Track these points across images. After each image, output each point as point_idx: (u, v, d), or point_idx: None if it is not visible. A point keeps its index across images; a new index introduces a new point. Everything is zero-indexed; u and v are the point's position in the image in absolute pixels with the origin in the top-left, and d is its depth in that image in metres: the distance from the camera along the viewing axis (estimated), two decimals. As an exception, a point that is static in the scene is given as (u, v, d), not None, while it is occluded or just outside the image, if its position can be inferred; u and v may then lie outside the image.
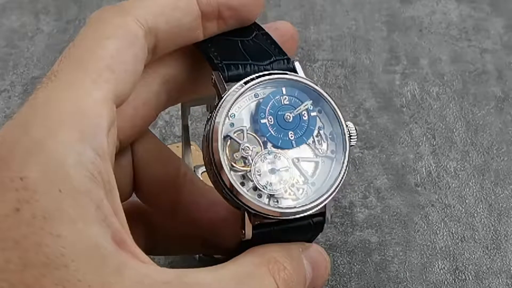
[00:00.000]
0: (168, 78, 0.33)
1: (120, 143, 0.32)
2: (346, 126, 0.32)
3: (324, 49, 0.55)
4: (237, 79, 0.32)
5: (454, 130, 0.49)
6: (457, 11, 0.58)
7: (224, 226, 0.35)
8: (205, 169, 0.43)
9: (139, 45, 0.30)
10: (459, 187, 0.46)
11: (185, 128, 0.41)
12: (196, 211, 0.35)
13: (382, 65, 0.54)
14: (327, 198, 0.31)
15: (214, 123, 0.31)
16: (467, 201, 0.45)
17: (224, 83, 0.31)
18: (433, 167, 0.47)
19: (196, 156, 0.43)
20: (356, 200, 0.45)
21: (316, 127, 0.32)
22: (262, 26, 0.34)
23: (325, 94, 0.32)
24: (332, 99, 0.32)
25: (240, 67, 0.32)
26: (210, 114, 0.31)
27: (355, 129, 0.33)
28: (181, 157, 0.41)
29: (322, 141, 0.32)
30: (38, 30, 0.56)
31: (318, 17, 0.57)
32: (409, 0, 0.59)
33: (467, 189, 0.46)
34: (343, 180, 0.32)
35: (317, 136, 0.32)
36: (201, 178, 0.42)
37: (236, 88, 0.31)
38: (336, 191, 0.32)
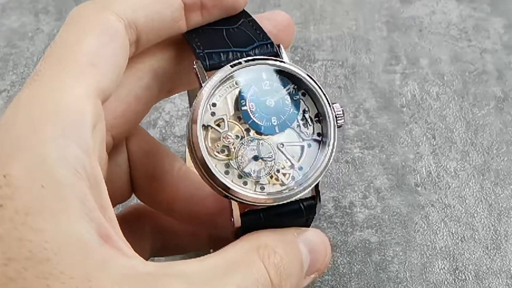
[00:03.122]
0: (158, 71, 0.33)
1: (113, 139, 0.32)
2: (332, 107, 0.32)
3: (324, 49, 0.55)
4: (218, 67, 0.31)
5: (454, 130, 0.49)
6: (457, 11, 0.58)
7: (222, 218, 0.35)
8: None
9: (120, 39, 0.29)
10: (459, 187, 0.46)
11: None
12: (193, 205, 0.35)
13: (382, 65, 0.54)
14: (314, 181, 0.31)
15: (193, 113, 0.30)
16: (467, 201, 0.45)
17: (205, 72, 0.31)
18: (433, 167, 0.47)
19: None
20: (356, 200, 0.45)
21: (301, 111, 0.32)
22: (256, 15, 0.34)
23: (307, 77, 0.32)
24: (315, 81, 0.32)
25: (221, 55, 0.32)
26: (190, 106, 0.31)
27: (342, 110, 0.32)
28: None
29: (308, 124, 0.32)
30: (38, 30, 0.56)
31: (318, 17, 0.57)
32: (409, 0, 0.59)
33: (467, 189, 0.46)
34: (331, 161, 0.32)
35: (302, 119, 0.32)
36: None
37: (216, 76, 0.31)
38: (323, 173, 0.31)
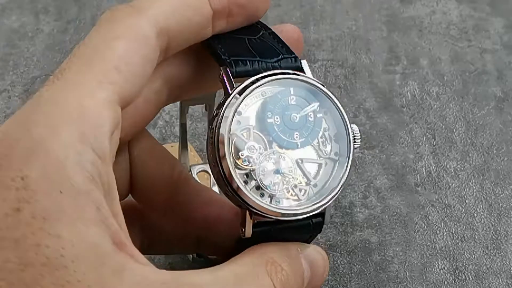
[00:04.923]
0: (170, 77, 0.33)
1: (120, 141, 0.32)
2: (351, 128, 0.32)
3: (324, 49, 0.55)
4: (245, 75, 0.31)
5: (454, 130, 0.49)
6: (457, 11, 0.58)
7: (219, 225, 0.35)
8: (200, 169, 0.43)
9: (150, 46, 0.29)
10: (459, 187, 0.46)
11: (183, 126, 0.41)
12: (191, 210, 0.35)
13: (382, 65, 0.54)
14: (328, 201, 0.31)
15: (221, 120, 0.30)
16: (467, 201, 0.45)
17: (232, 79, 0.31)
18: (433, 167, 0.47)
19: (191, 156, 0.43)
20: (356, 200, 0.45)
21: (322, 129, 0.32)
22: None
23: (332, 96, 0.32)
24: (338, 100, 0.32)
25: (248, 63, 0.32)
26: (216, 111, 0.31)
27: (359, 131, 0.33)
28: (176, 156, 0.41)
29: (327, 143, 0.32)
30: (38, 30, 0.56)
31: (318, 17, 0.57)
32: (409, 0, 0.59)
33: (467, 189, 0.46)
34: (345, 182, 0.32)
35: (321, 137, 0.32)
36: (197, 178, 0.42)
37: (245, 85, 0.31)
38: (338, 194, 0.32)
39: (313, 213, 0.31)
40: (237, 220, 0.32)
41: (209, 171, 0.42)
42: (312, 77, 0.32)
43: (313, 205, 0.31)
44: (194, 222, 0.36)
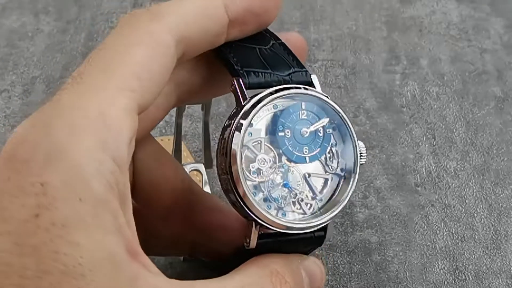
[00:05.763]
0: (180, 81, 0.33)
1: None
2: (358, 144, 0.33)
3: (324, 49, 0.55)
4: (257, 86, 0.32)
5: (454, 130, 0.49)
6: (457, 11, 0.58)
7: (220, 233, 0.35)
8: (192, 167, 0.43)
9: (169, 54, 0.29)
10: (459, 187, 0.46)
11: (179, 126, 0.41)
12: (192, 217, 0.35)
13: (382, 65, 0.54)
14: (333, 217, 0.32)
15: (234, 132, 0.31)
16: (467, 201, 0.45)
17: (245, 90, 0.31)
18: (433, 167, 0.47)
19: (183, 157, 0.43)
20: (356, 200, 0.45)
21: (330, 144, 0.33)
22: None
23: (342, 112, 0.32)
24: (347, 116, 0.33)
25: (260, 75, 0.32)
26: (228, 121, 0.31)
27: (365, 149, 0.33)
28: (170, 150, 0.41)
29: (333, 158, 0.33)
30: (38, 30, 0.56)
31: (318, 17, 0.57)
32: (409, 0, 0.59)
33: (467, 189, 0.46)
34: (350, 199, 0.33)
35: (329, 153, 0.33)
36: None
37: (259, 98, 0.31)
38: (342, 210, 0.32)
39: (317, 228, 0.32)
40: (239, 229, 0.32)
41: (201, 170, 0.43)
42: (322, 92, 0.32)
43: (318, 220, 0.32)
44: (194, 227, 0.36)
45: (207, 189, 0.42)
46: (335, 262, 0.42)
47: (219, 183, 0.39)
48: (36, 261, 0.24)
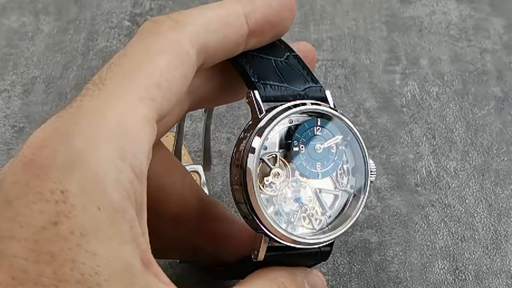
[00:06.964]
0: (195, 89, 0.33)
1: None
2: (368, 161, 0.33)
3: (324, 49, 0.55)
4: (273, 100, 0.32)
5: (454, 130, 0.49)
6: (457, 11, 0.58)
7: (225, 241, 0.35)
8: (191, 169, 0.43)
9: (190, 64, 0.29)
10: (459, 187, 0.46)
11: (180, 127, 0.41)
12: (198, 223, 0.35)
13: (382, 65, 0.54)
14: (341, 234, 0.32)
15: (251, 144, 0.31)
16: (467, 201, 0.45)
17: (261, 103, 0.31)
18: (433, 167, 0.47)
19: (183, 159, 0.43)
20: (356, 200, 0.45)
21: (342, 161, 0.33)
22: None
23: (355, 129, 0.33)
24: (359, 134, 0.33)
25: (276, 88, 0.32)
26: (244, 134, 0.31)
27: (375, 166, 0.33)
28: (170, 148, 0.41)
29: (344, 175, 0.33)
30: (38, 30, 0.56)
31: (318, 17, 0.57)
32: (409, 0, 0.59)
33: (467, 189, 0.46)
34: (359, 216, 0.33)
35: (340, 169, 0.33)
36: None
37: (276, 113, 0.31)
38: (350, 227, 0.32)
39: (325, 244, 0.32)
40: (244, 239, 0.33)
41: (200, 171, 0.43)
42: (336, 109, 0.33)
43: (326, 236, 0.32)
44: (199, 234, 0.36)
45: (205, 190, 0.42)
46: (335, 262, 0.42)
47: (218, 183, 0.39)
48: (53, 269, 0.24)
